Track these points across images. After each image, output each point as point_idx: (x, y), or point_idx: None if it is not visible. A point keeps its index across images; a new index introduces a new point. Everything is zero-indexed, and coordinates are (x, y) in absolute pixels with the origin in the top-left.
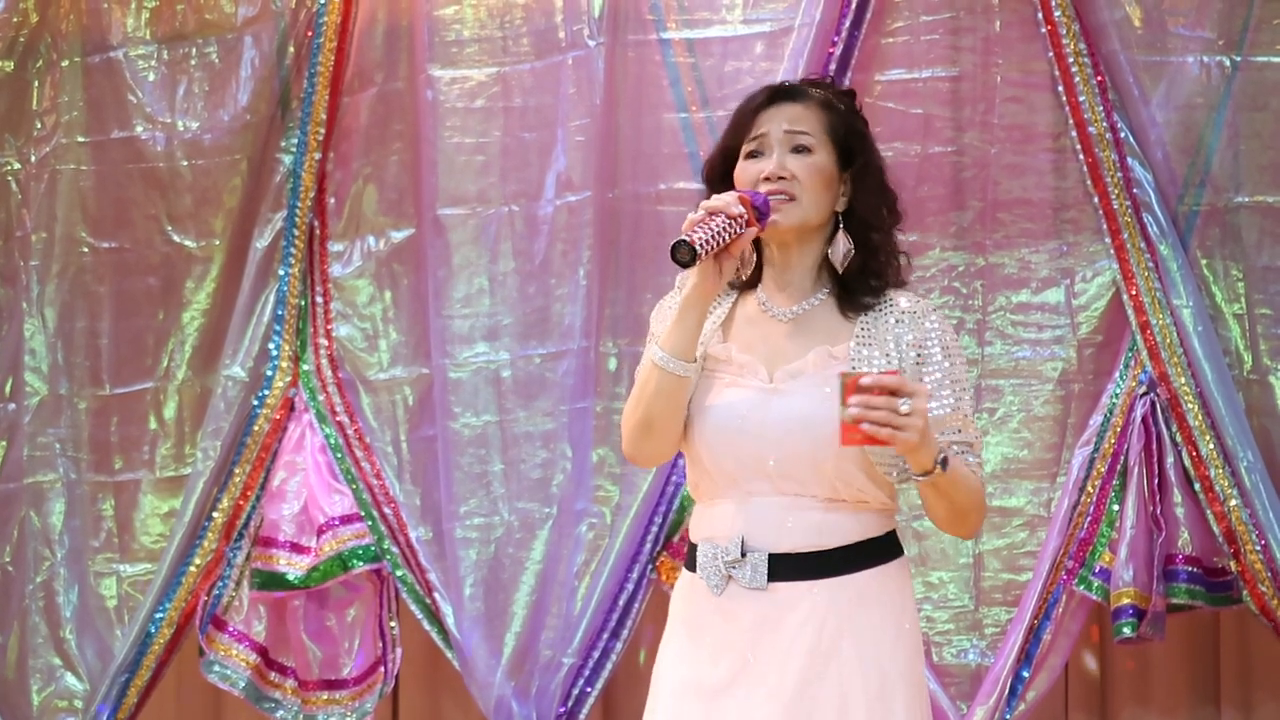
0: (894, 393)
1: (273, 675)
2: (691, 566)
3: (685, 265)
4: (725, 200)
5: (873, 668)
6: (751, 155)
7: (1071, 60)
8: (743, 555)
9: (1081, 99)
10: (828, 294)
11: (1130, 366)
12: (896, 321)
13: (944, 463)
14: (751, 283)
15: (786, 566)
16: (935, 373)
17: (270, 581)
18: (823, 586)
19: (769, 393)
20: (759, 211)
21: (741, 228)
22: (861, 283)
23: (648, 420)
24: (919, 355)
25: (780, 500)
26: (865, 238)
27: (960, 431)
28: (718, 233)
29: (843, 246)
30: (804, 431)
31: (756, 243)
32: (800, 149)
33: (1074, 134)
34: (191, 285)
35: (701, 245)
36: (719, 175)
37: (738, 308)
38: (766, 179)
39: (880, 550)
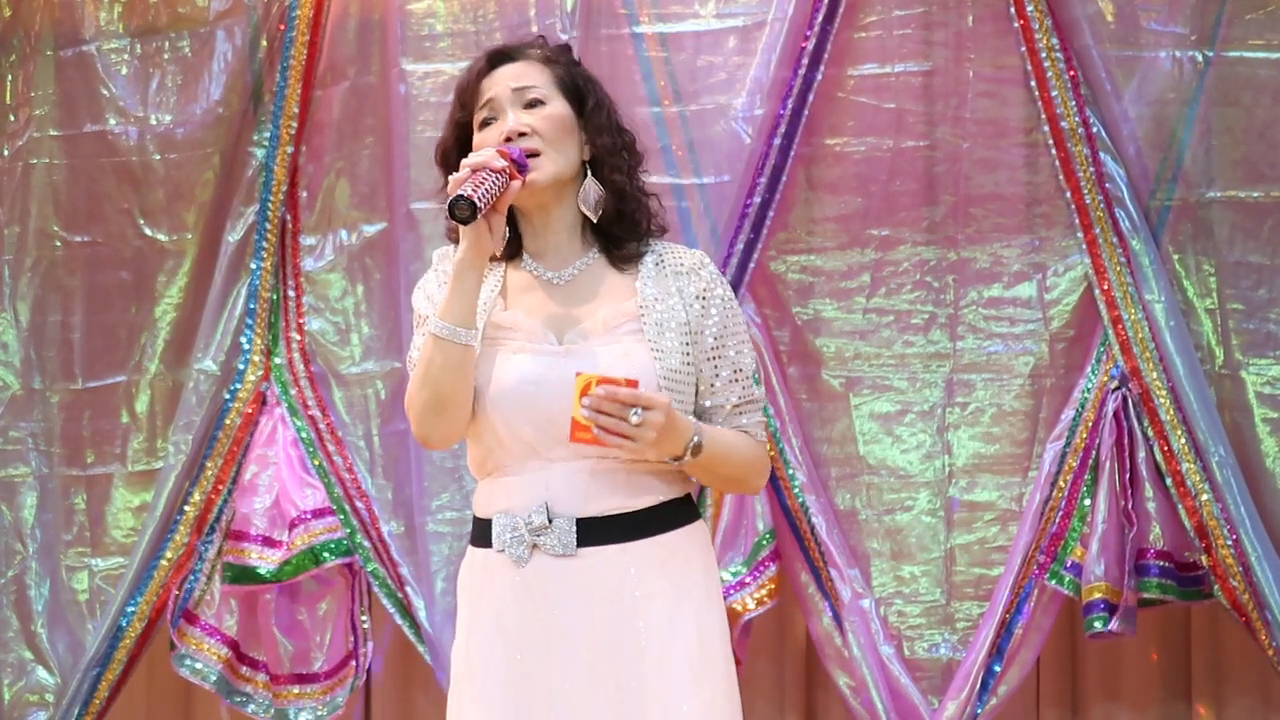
0: (627, 403)
1: (244, 669)
2: (484, 543)
3: (465, 221)
4: (486, 155)
5: (692, 629)
6: (485, 124)
7: (1044, 55)
8: (549, 522)
9: (1054, 94)
10: (597, 252)
11: (1102, 361)
12: (676, 274)
13: (696, 449)
14: (512, 255)
15: (595, 530)
16: (715, 328)
17: (242, 575)
18: (634, 550)
19: (561, 355)
20: (518, 165)
21: (507, 182)
22: (623, 230)
23: (438, 398)
24: (703, 307)
25: (583, 464)
26: (611, 181)
27: (741, 387)
28: (489, 188)
29: (592, 194)
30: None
31: (510, 214)
32: (533, 103)
33: (1046, 129)
34: (164, 279)
35: (480, 200)
36: (454, 157)
37: (509, 277)
38: (508, 139)
39: (683, 511)
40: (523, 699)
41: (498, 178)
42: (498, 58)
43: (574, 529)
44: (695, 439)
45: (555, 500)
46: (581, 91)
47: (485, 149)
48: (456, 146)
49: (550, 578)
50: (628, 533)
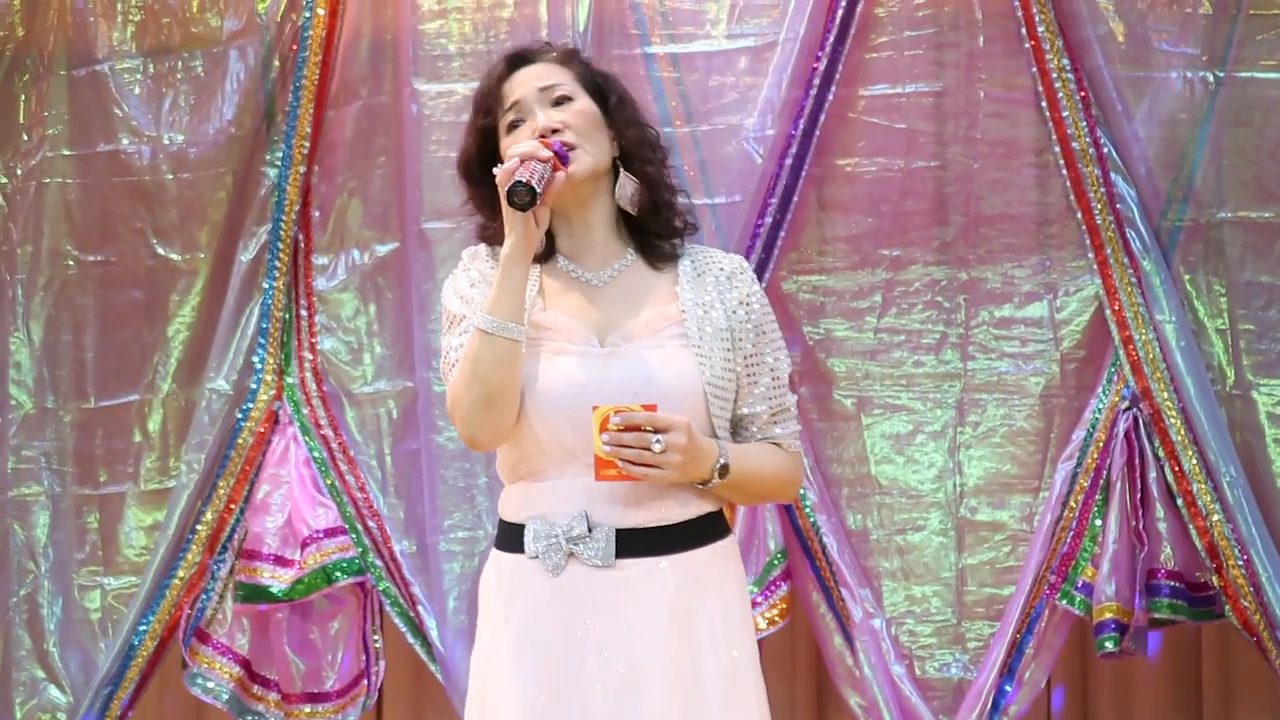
0: (645, 428)
1: (256, 688)
2: (513, 548)
3: (525, 208)
4: (532, 145)
5: (724, 648)
6: (514, 126)
7: (1055, 75)
8: (589, 531)
9: (1065, 114)
10: (633, 253)
11: (1113, 381)
12: (716, 279)
13: (723, 470)
14: (545, 257)
15: (633, 542)
16: (754, 334)
17: (254, 594)
18: (670, 563)
19: (604, 357)
20: (560, 156)
21: (553, 172)
22: (659, 225)
23: (488, 395)
24: (745, 313)
25: None
26: (644, 174)
27: (778, 397)
28: (541, 176)
29: (629, 187)
30: (646, 397)
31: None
32: (560, 100)
33: (1057, 149)
34: (176, 298)
35: (538, 184)
36: (479, 164)
37: (545, 278)
38: (542, 136)
39: (717, 526)
40: (552, 708)
41: (546, 167)
42: (516, 60)
43: (613, 540)
44: (721, 460)
45: (595, 509)
46: (603, 88)
47: (527, 141)
48: (479, 155)
49: (586, 588)
50: (666, 546)
